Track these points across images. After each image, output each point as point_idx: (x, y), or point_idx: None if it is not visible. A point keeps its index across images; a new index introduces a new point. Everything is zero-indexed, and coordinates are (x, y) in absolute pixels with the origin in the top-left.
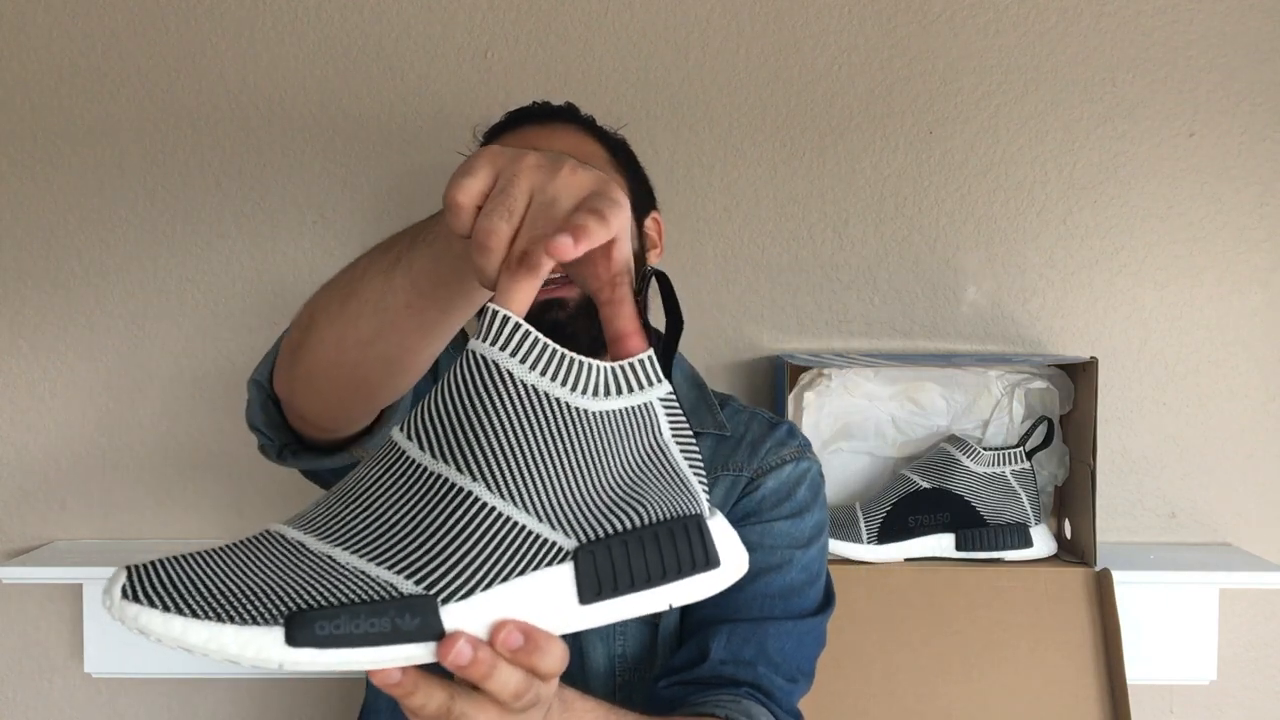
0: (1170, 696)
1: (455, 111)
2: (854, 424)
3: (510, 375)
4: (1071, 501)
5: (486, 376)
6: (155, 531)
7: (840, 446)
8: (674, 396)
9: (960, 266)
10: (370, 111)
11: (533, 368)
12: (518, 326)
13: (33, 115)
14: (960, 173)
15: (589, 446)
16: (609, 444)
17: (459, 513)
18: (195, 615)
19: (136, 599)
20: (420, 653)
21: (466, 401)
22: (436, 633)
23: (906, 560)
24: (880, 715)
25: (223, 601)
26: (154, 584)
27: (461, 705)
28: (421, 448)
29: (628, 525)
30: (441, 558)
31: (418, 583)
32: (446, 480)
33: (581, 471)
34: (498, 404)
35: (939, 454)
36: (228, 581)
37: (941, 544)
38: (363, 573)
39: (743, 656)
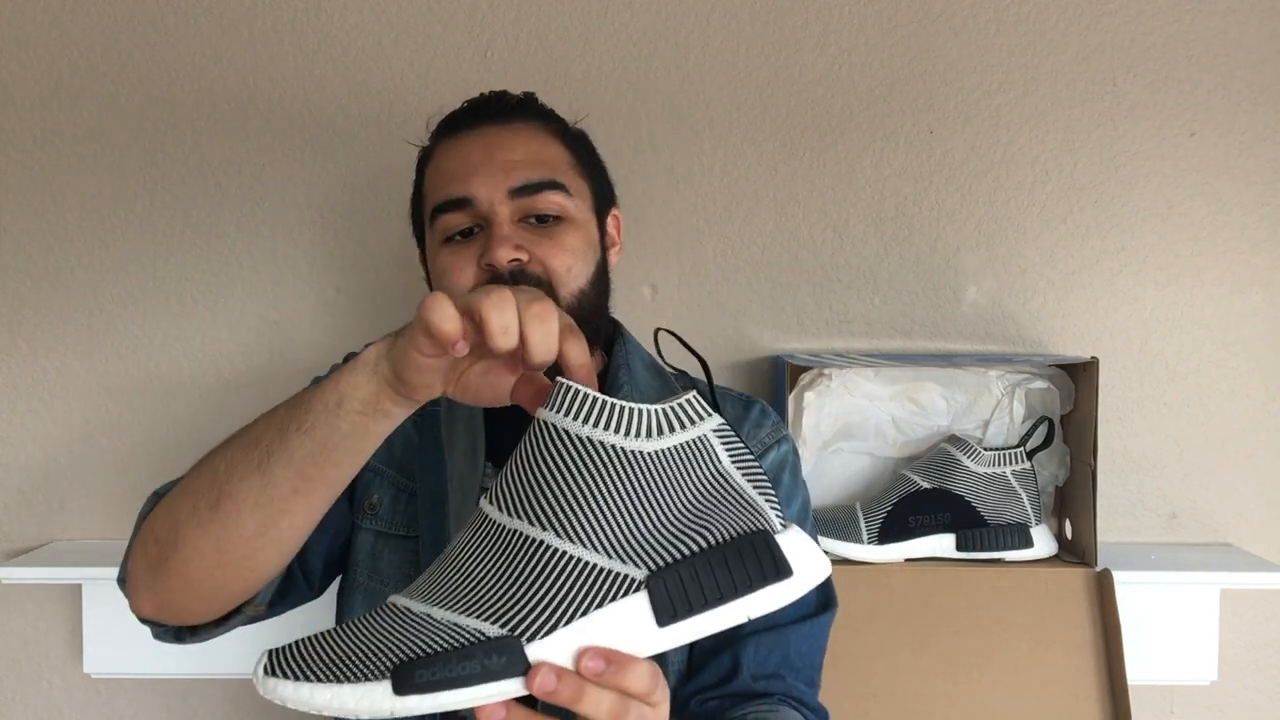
0: (1171, 697)
1: None
2: (854, 424)
3: (566, 433)
4: (1072, 502)
5: (547, 437)
6: None
7: (840, 446)
8: (727, 427)
9: (961, 266)
10: (370, 111)
11: (585, 421)
12: (569, 389)
13: (33, 115)
14: (960, 173)
15: (648, 483)
16: (667, 479)
17: (534, 561)
18: (320, 680)
19: (273, 673)
20: (511, 687)
21: (533, 462)
22: (523, 668)
23: (907, 560)
24: (880, 715)
25: (341, 665)
26: (287, 660)
27: None
28: (500, 509)
29: (695, 549)
30: (521, 602)
31: (502, 626)
32: (521, 534)
33: (644, 507)
34: (558, 459)
35: (939, 454)
36: (346, 649)
37: (942, 544)
38: (455, 624)
39: (770, 667)
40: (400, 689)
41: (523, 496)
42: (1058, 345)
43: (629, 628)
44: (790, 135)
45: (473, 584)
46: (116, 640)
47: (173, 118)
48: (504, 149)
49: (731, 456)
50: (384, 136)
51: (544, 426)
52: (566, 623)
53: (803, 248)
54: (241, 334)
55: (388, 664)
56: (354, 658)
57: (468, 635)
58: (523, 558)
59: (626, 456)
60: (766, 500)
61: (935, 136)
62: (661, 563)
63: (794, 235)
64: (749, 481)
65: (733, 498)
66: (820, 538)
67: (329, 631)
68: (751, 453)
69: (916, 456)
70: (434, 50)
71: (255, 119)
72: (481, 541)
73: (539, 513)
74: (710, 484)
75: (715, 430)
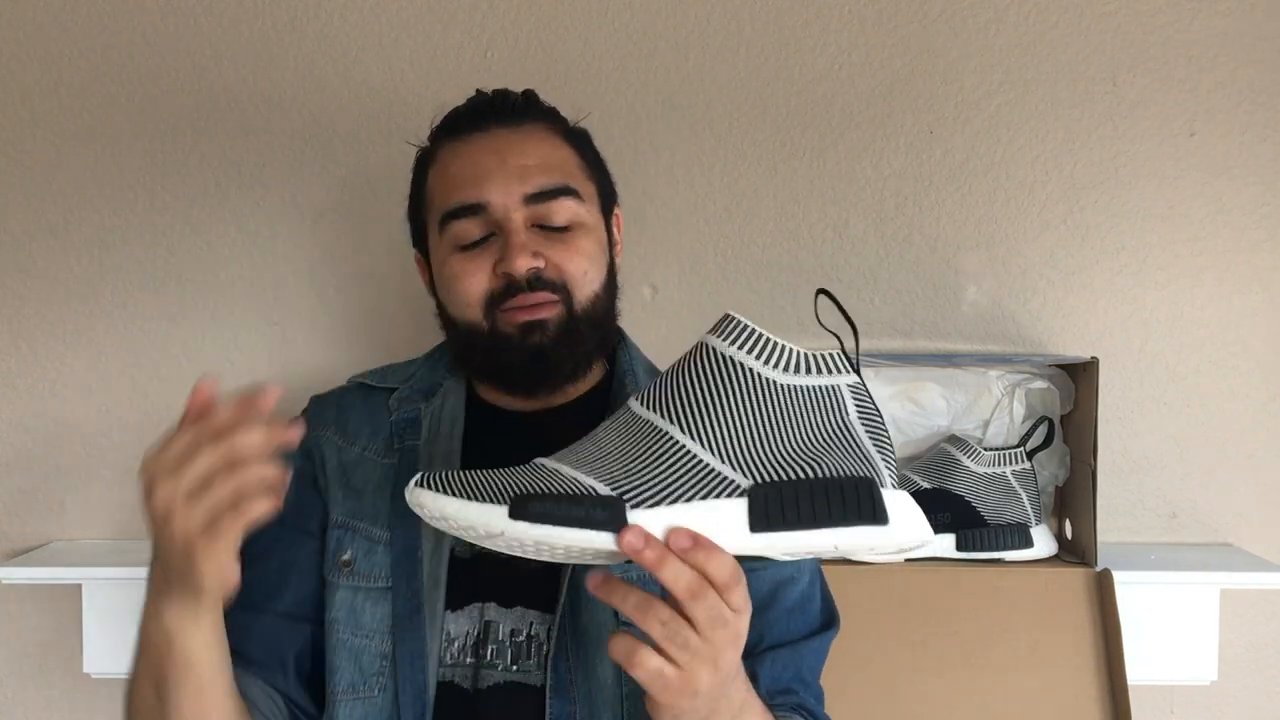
0: (1171, 697)
1: None
2: None
3: (714, 350)
4: (1072, 502)
5: (701, 354)
6: None
7: None
8: (864, 387)
9: (961, 266)
10: (370, 111)
11: (734, 344)
12: (731, 319)
13: (33, 115)
14: (960, 173)
15: (774, 410)
16: (793, 411)
17: (657, 447)
18: (453, 495)
19: (422, 485)
20: (605, 540)
21: (680, 372)
22: (620, 525)
23: (907, 560)
24: (880, 715)
25: (475, 489)
26: (436, 478)
27: (663, 612)
28: (643, 404)
29: (802, 476)
30: (637, 476)
31: (614, 490)
32: (654, 425)
33: (767, 429)
34: (704, 372)
35: (939, 454)
36: (486, 478)
37: (942, 544)
38: (576, 479)
39: (784, 682)
40: (515, 514)
41: (664, 397)
42: (1058, 345)
43: (724, 524)
44: (790, 135)
45: (603, 455)
46: (116, 640)
47: (173, 118)
48: (515, 153)
49: (860, 413)
50: (384, 136)
51: (700, 345)
52: (670, 503)
53: (803, 248)
54: (241, 334)
55: (511, 494)
56: (488, 485)
57: (583, 488)
58: (648, 444)
59: (762, 382)
60: (885, 461)
61: (935, 136)
62: (769, 479)
63: (794, 235)
64: (871, 440)
65: (851, 447)
66: None
67: (479, 470)
68: (881, 417)
69: (916, 456)
70: (434, 50)
71: (255, 119)
72: (620, 427)
73: (672, 411)
74: (834, 430)
75: (850, 386)
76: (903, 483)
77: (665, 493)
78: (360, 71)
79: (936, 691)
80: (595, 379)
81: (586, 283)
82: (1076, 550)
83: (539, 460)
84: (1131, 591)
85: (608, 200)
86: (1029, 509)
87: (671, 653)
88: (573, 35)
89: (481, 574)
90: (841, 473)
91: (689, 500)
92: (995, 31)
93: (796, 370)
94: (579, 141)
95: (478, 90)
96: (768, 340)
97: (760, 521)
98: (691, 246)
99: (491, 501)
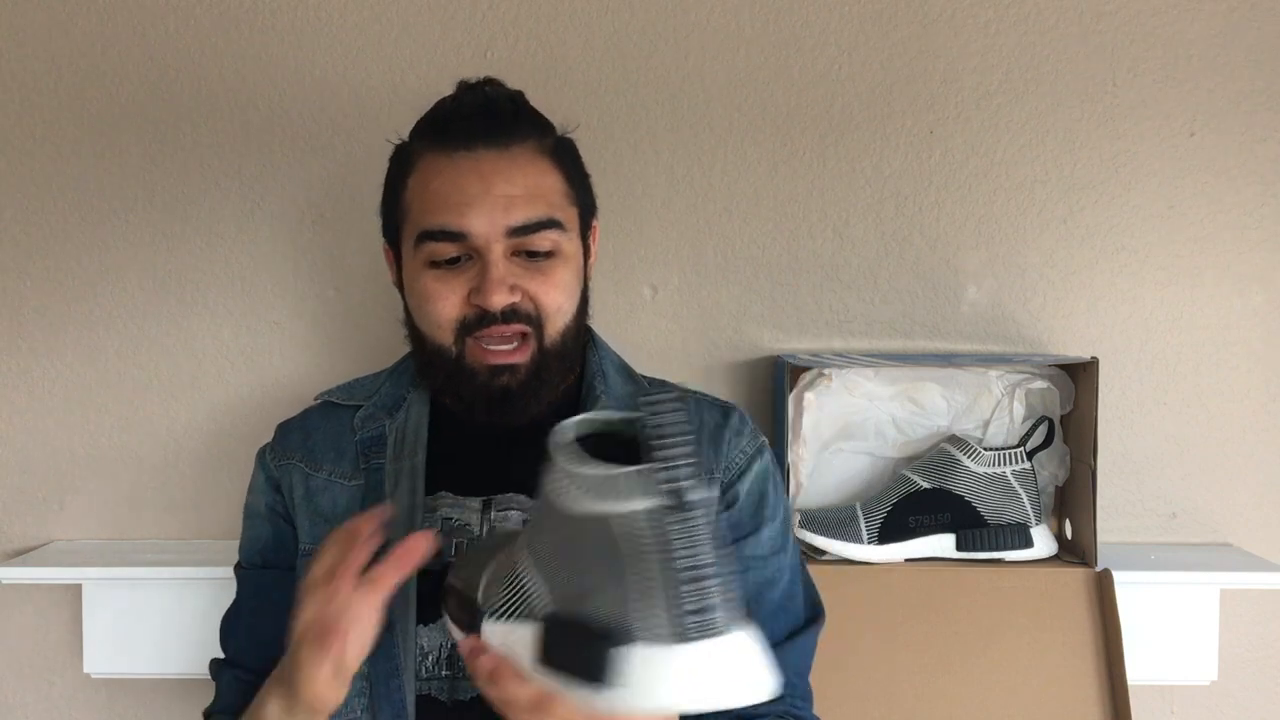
0: (1171, 697)
1: None
2: (854, 424)
3: (540, 481)
4: (1072, 502)
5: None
6: (155, 531)
7: (840, 446)
8: (657, 516)
9: (961, 266)
10: (369, 112)
11: (548, 474)
12: (553, 453)
13: (33, 114)
14: (960, 173)
15: (571, 536)
16: (582, 538)
17: (510, 562)
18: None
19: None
20: (461, 637)
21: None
22: (472, 632)
23: (907, 560)
24: (880, 715)
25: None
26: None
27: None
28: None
29: (576, 614)
30: (497, 586)
31: (483, 600)
32: (517, 541)
33: (564, 554)
34: (541, 499)
35: (939, 454)
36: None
37: (942, 544)
38: (476, 578)
39: None
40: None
41: (534, 513)
42: (1058, 345)
43: (521, 648)
44: (790, 135)
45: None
46: (116, 640)
47: (173, 118)
48: (502, 180)
49: (653, 545)
50: (384, 137)
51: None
52: (497, 618)
53: (803, 248)
54: (241, 334)
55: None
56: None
57: (473, 591)
58: (512, 557)
59: (560, 508)
60: (674, 600)
61: (935, 136)
62: (560, 609)
63: (794, 235)
64: (660, 574)
65: (622, 582)
66: (820, 537)
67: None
68: (688, 548)
69: (916, 456)
70: (434, 50)
71: (255, 119)
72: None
73: (529, 530)
74: (611, 560)
75: (644, 514)
76: (903, 483)
77: (500, 606)
78: (360, 71)
79: (936, 691)
80: (564, 385)
81: (560, 316)
82: (1076, 550)
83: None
84: (1131, 591)
85: (587, 216)
86: (1029, 509)
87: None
88: (573, 35)
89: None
90: (605, 614)
91: (506, 618)
92: (995, 31)
93: (591, 497)
94: (565, 158)
95: (466, 84)
96: (564, 471)
97: (542, 653)
98: (691, 246)
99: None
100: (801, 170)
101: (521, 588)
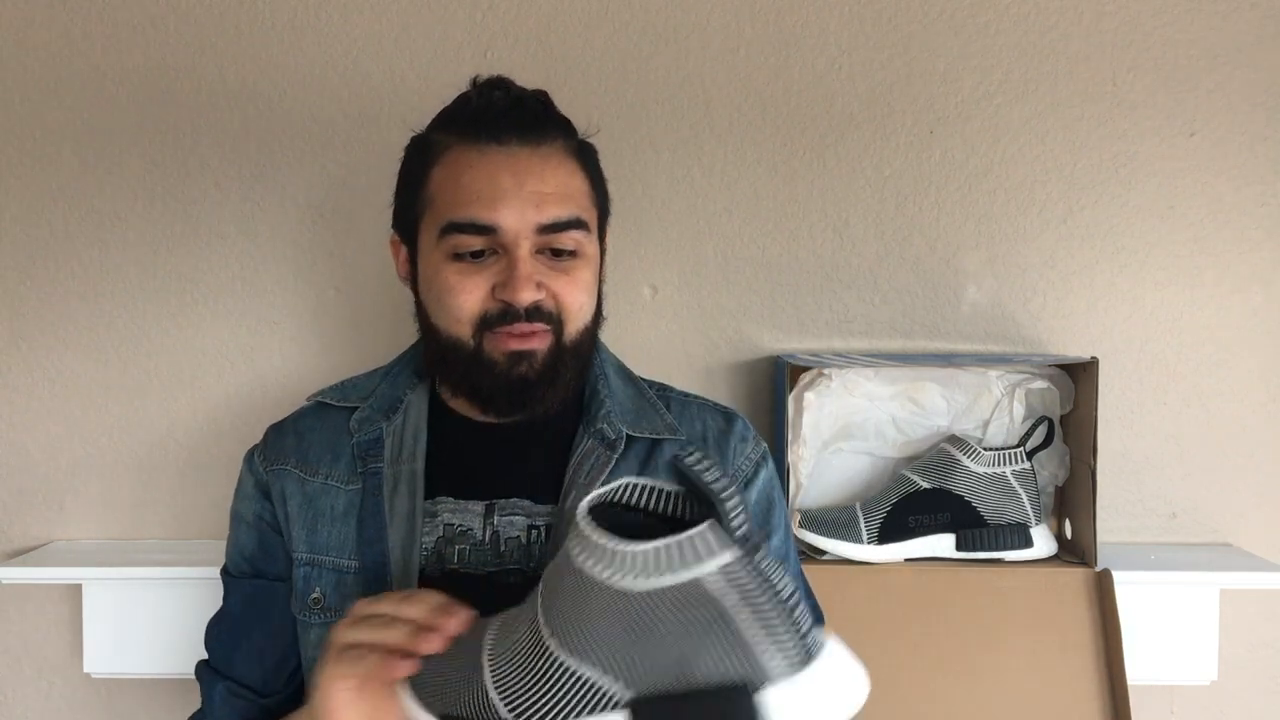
0: (1171, 697)
1: None
2: (854, 424)
3: (575, 567)
4: (1072, 502)
5: (564, 563)
6: (155, 531)
7: (840, 446)
8: (744, 562)
9: (961, 266)
10: (370, 111)
11: (582, 556)
12: (578, 528)
13: (33, 115)
14: (960, 173)
15: (639, 617)
16: (658, 615)
17: (542, 661)
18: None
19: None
20: None
21: (557, 578)
22: None
23: (906, 560)
24: (880, 715)
25: (432, 696)
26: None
27: None
28: (543, 622)
29: (675, 687)
30: (528, 694)
31: (512, 712)
32: (540, 633)
33: (636, 637)
34: (570, 587)
35: (939, 454)
36: (442, 690)
37: (942, 544)
38: (487, 694)
39: None
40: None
41: (545, 602)
42: (1058, 345)
43: None
44: (790, 135)
45: (511, 659)
46: (116, 640)
47: (173, 118)
48: (534, 178)
49: (740, 594)
50: (384, 136)
51: (564, 556)
52: None
53: (803, 248)
54: (241, 334)
55: (440, 712)
56: (439, 695)
57: (489, 710)
58: (536, 656)
59: (614, 594)
60: (775, 643)
61: (935, 136)
62: (648, 690)
63: (794, 235)
64: (757, 622)
65: (726, 642)
66: (820, 537)
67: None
68: (777, 584)
69: (916, 456)
70: (434, 50)
71: (255, 119)
72: (527, 621)
73: (552, 621)
74: (707, 623)
75: (719, 570)
76: (902, 483)
77: (549, 711)
78: (360, 71)
79: (936, 691)
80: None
81: (580, 316)
82: (1076, 550)
83: (481, 657)
84: (1131, 591)
85: (604, 220)
86: (1029, 509)
87: None
88: (573, 35)
89: (454, 592)
90: (717, 675)
91: (572, 718)
92: (995, 31)
93: (651, 573)
94: (588, 161)
95: (486, 81)
96: (613, 552)
97: None
98: (691, 246)
99: (429, 711)
100: (801, 170)
101: (580, 685)
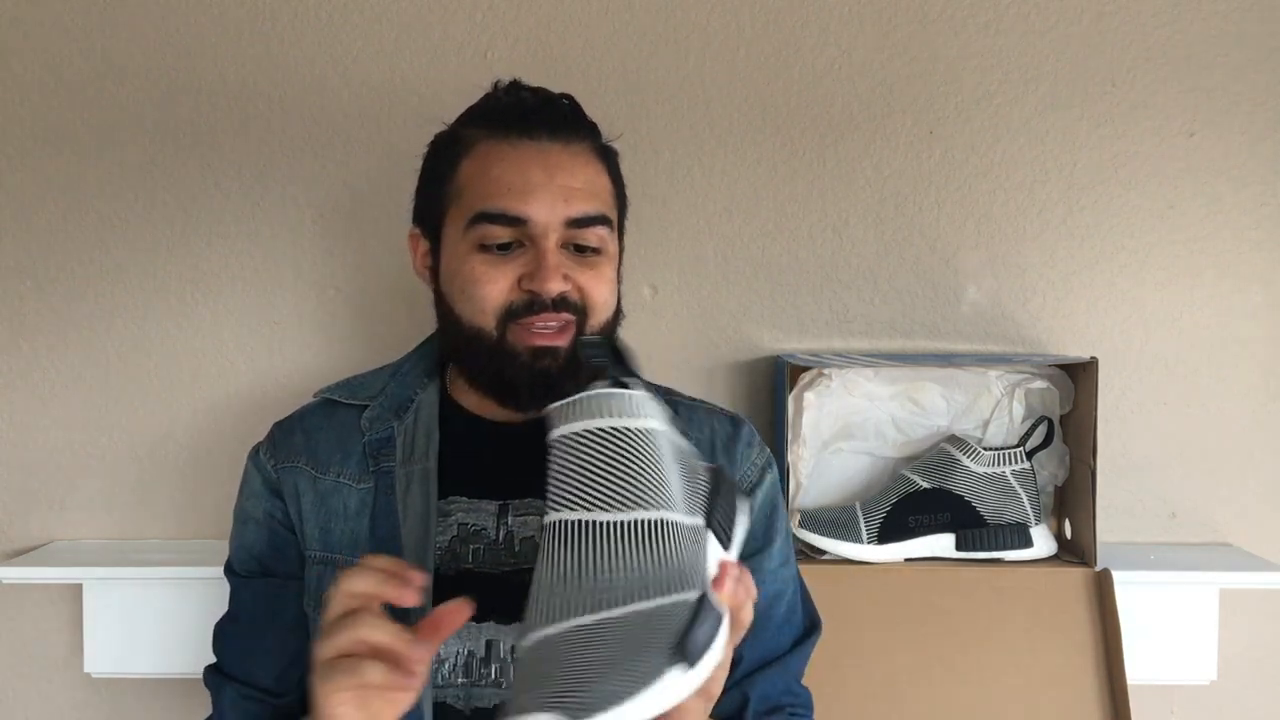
0: (1170, 696)
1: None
2: (854, 424)
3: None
4: (1072, 501)
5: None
6: (155, 531)
7: (840, 446)
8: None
9: (960, 266)
10: (370, 112)
11: (608, 415)
12: (569, 402)
13: (33, 115)
14: (960, 173)
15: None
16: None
17: (656, 536)
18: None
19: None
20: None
21: (583, 464)
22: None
23: (906, 560)
24: (880, 715)
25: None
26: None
27: None
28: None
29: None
30: (679, 573)
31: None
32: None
33: (670, 470)
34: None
35: (939, 454)
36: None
37: (941, 544)
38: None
39: (774, 699)
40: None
41: (588, 493)
42: (1058, 345)
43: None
44: (790, 135)
45: (617, 578)
46: (116, 640)
47: (173, 118)
48: (565, 173)
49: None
50: (384, 136)
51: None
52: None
53: (803, 248)
54: (241, 334)
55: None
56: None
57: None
58: (648, 537)
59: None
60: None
61: (935, 136)
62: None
63: (794, 235)
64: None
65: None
66: (820, 537)
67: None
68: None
69: (916, 456)
70: (434, 50)
71: (255, 119)
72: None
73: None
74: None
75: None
76: (902, 482)
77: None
78: (360, 71)
79: (936, 691)
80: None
81: (603, 310)
82: (1076, 550)
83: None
84: (1131, 591)
85: (623, 221)
86: (1028, 509)
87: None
88: (573, 35)
89: (471, 592)
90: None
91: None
92: (995, 31)
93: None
94: (611, 164)
95: (512, 83)
96: (625, 397)
97: (724, 543)
98: (691, 246)
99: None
100: (801, 170)
101: (682, 536)
